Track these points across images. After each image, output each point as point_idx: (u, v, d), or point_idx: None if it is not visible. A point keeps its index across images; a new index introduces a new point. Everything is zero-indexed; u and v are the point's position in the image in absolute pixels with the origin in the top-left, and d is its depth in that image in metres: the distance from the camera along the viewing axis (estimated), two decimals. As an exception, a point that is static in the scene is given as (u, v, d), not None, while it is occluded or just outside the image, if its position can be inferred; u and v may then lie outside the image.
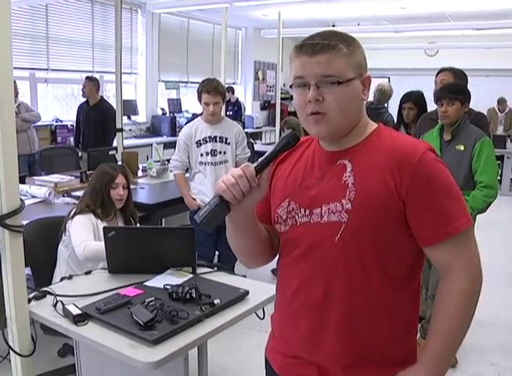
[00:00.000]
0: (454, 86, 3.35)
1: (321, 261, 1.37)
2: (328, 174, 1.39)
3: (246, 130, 7.85)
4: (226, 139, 4.08)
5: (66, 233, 2.90)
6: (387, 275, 1.34)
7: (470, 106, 3.39)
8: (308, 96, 1.32)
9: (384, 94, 5.28)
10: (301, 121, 1.40)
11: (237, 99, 10.53)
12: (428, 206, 1.30)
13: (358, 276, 1.34)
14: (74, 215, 2.89)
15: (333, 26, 10.33)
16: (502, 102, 10.62)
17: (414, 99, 4.38)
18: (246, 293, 2.26)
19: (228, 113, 9.95)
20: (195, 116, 6.75)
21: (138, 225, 3.22)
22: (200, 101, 3.97)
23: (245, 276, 2.60)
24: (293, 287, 1.44)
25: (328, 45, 1.30)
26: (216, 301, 2.12)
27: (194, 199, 4.05)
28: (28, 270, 2.81)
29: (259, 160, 1.33)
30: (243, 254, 1.54)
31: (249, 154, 4.30)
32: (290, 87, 1.38)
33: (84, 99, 6.78)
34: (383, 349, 1.38)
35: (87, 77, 6.75)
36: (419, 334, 3.39)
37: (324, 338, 1.39)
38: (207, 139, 4.04)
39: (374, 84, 5.35)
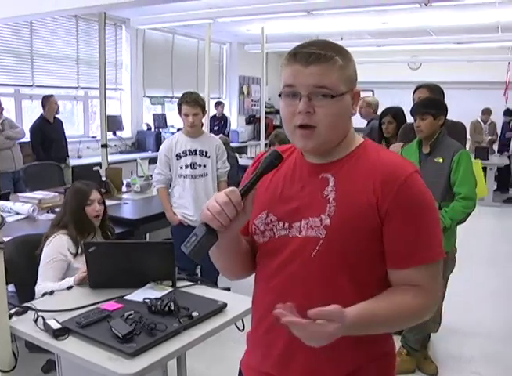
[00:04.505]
0: (425, 101, 3.41)
1: (296, 274, 1.34)
2: (308, 186, 1.36)
3: (231, 144, 7.88)
4: (206, 152, 4.11)
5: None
6: (360, 290, 1.30)
7: (451, 118, 3.44)
8: (299, 108, 1.28)
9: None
10: (287, 132, 1.35)
11: (223, 113, 10.60)
12: (407, 228, 1.27)
13: (331, 290, 1.31)
14: (48, 238, 2.85)
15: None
16: (486, 112, 10.23)
17: (393, 112, 4.47)
18: (225, 305, 2.29)
19: (214, 127, 10.00)
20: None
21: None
22: (181, 113, 4.02)
23: (229, 289, 2.63)
24: (268, 300, 1.37)
25: (324, 56, 1.26)
26: (194, 314, 2.15)
27: (175, 213, 4.08)
28: (11, 287, 2.82)
29: (243, 184, 1.29)
30: (226, 270, 1.52)
31: (229, 168, 4.34)
32: (279, 95, 1.33)
33: (39, 117, 6.76)
34: (357, 365, 1.35)
35: (51, 96, 6.76)
36: (399, 345, 3.46)
37: (297, 355, 1.35)
38: (187, 152, 4.07)
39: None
